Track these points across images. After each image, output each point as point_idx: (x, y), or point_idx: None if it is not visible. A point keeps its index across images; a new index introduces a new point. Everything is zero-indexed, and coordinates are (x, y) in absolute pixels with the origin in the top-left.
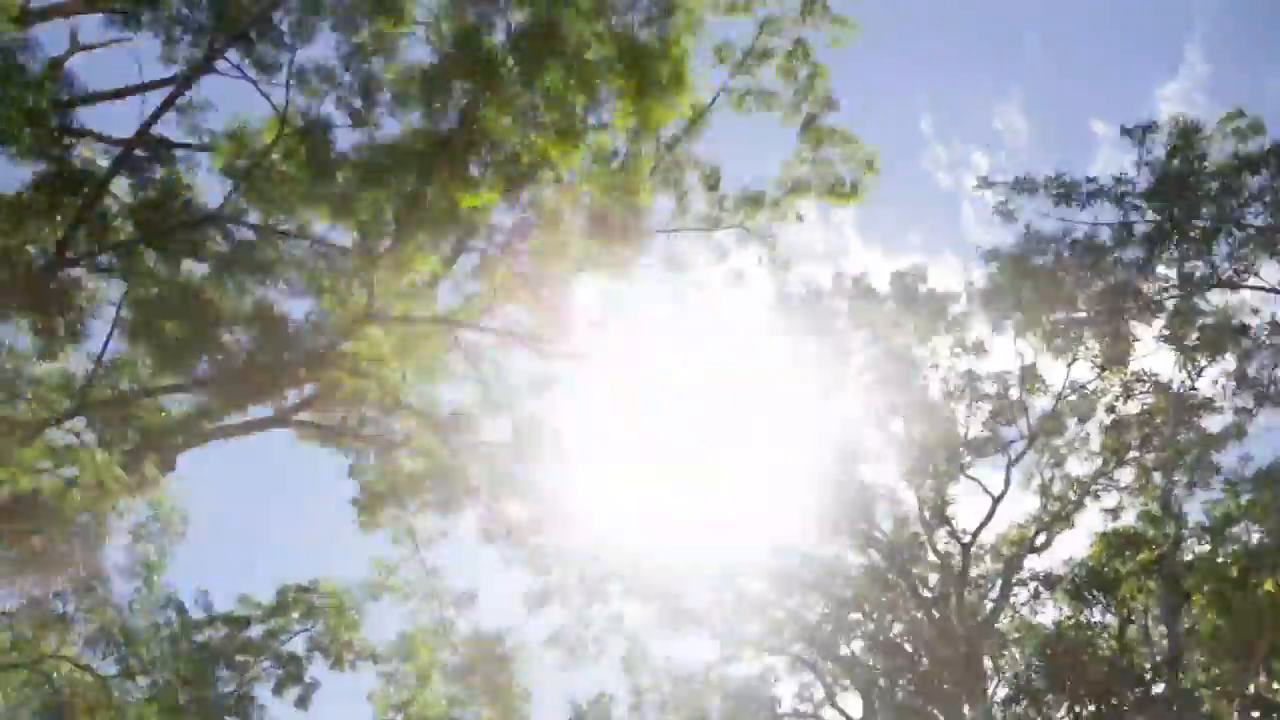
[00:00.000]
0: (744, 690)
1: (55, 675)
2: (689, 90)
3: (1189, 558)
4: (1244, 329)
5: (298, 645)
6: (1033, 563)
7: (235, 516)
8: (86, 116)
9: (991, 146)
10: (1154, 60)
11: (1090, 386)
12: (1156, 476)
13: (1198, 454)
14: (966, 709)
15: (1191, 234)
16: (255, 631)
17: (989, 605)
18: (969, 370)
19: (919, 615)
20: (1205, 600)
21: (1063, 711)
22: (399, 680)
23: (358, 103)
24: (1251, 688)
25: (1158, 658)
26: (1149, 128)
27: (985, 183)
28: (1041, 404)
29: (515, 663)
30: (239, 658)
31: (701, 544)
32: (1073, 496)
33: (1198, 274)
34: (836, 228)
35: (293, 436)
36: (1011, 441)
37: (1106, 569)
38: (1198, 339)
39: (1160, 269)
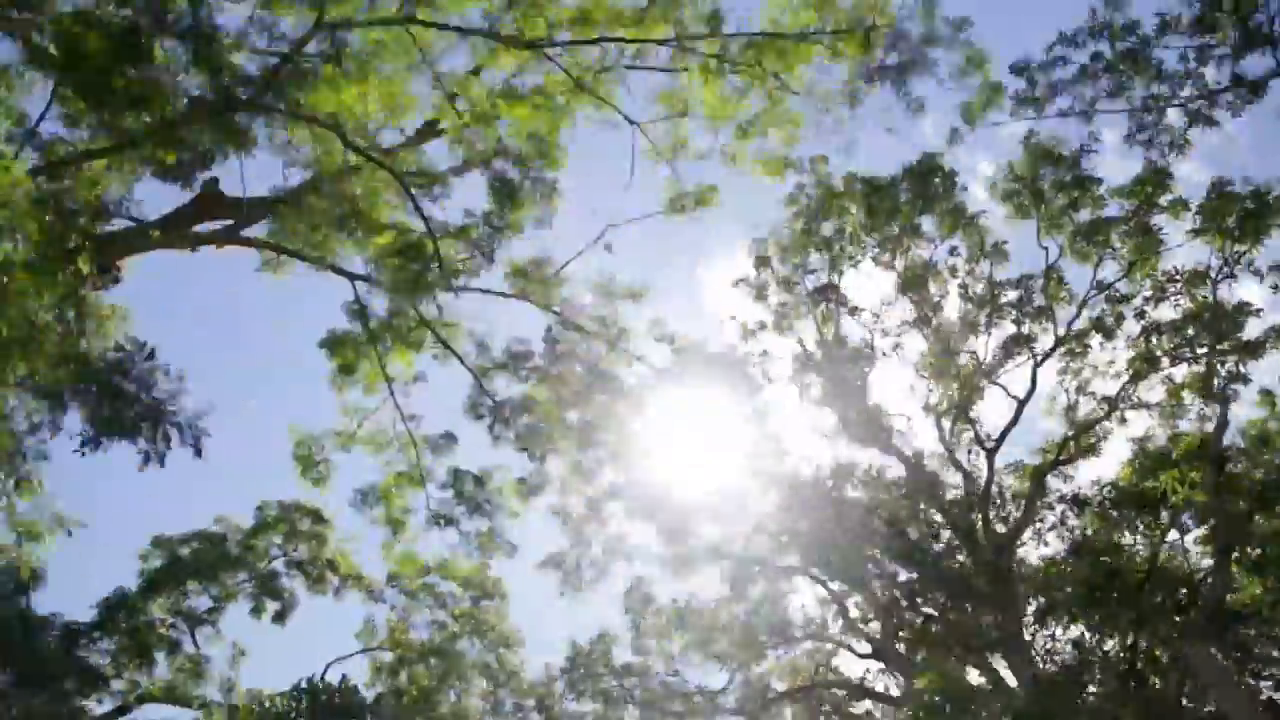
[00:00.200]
0: (755, 613)
1: None
2: None
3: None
4: None
5: (277, 564)
6: (1059, 486)
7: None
8: None
9: None
10: None
11: (1118, 290)
12: (1187, 396)
13: (1236, 362)
14: (997, 619)
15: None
16: (232, 548)
17: (1015, 519)
18: (989, 276)
19: (942, 526)
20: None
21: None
22: (389, 601)
23: None
24: None
25: (1196, 576)
26: None
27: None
28: (1066, 315)
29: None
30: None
31: (706, 460)
32: (1100, 414)
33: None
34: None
35: (255, 261)
36: (1035, 340)
37: (1138, 487)
38: (1239, 218)
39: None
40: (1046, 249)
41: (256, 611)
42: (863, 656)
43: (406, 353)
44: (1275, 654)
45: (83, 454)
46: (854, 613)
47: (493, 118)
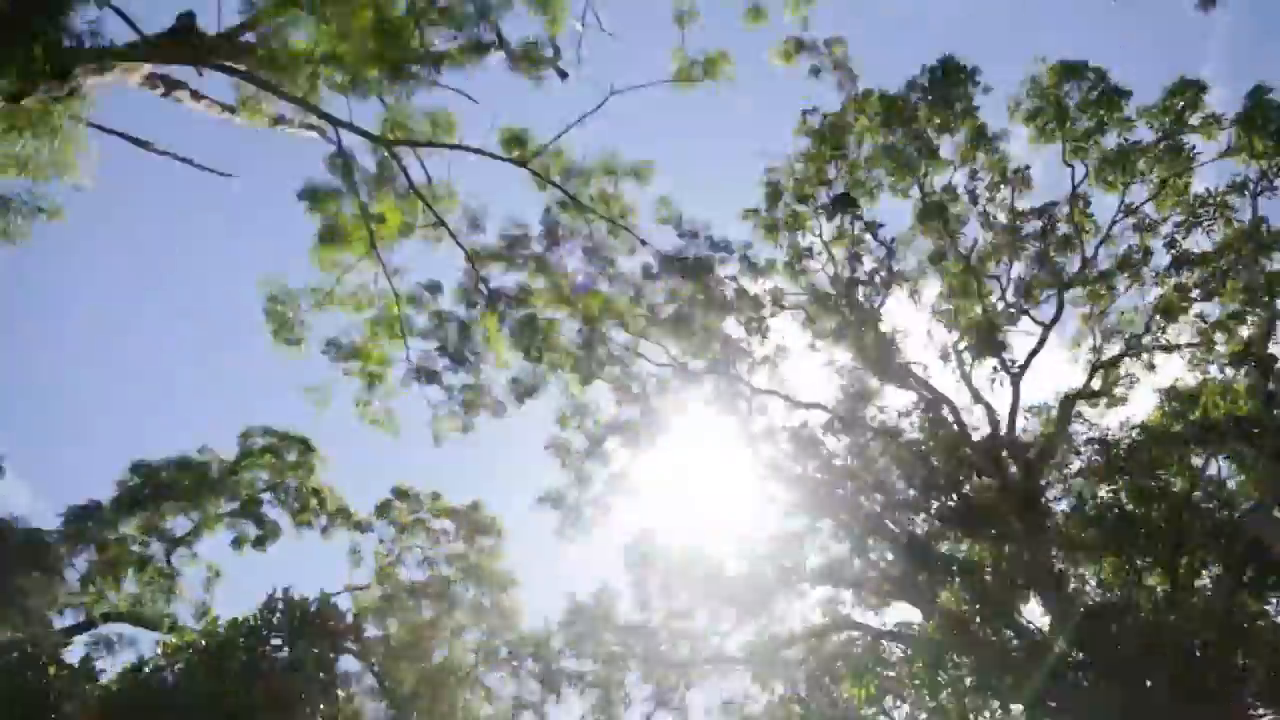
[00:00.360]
0: (768, 556)
1: None
2: None
3: None
4: None
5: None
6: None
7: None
8: None
9: None
10: None
11: (1147, 216)
12: (1219, 337)
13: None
14: (1026, 554)
15: None
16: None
17: (1043, 448)
18: (1012, 205)
19: (967, 458)
20: None
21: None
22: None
23: None
24: None
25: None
26: None
27: None
28: (1091, 247)
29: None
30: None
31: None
32: (1128, 353)
33: None
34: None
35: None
36: (1061, 266)
37: (1168, 430)
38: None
39: None
40: (1072, 168)
41: (238, 544)
42: (882, 599)
43: (394, 210)
44: None
45: None
46: (872, 553)
47: None
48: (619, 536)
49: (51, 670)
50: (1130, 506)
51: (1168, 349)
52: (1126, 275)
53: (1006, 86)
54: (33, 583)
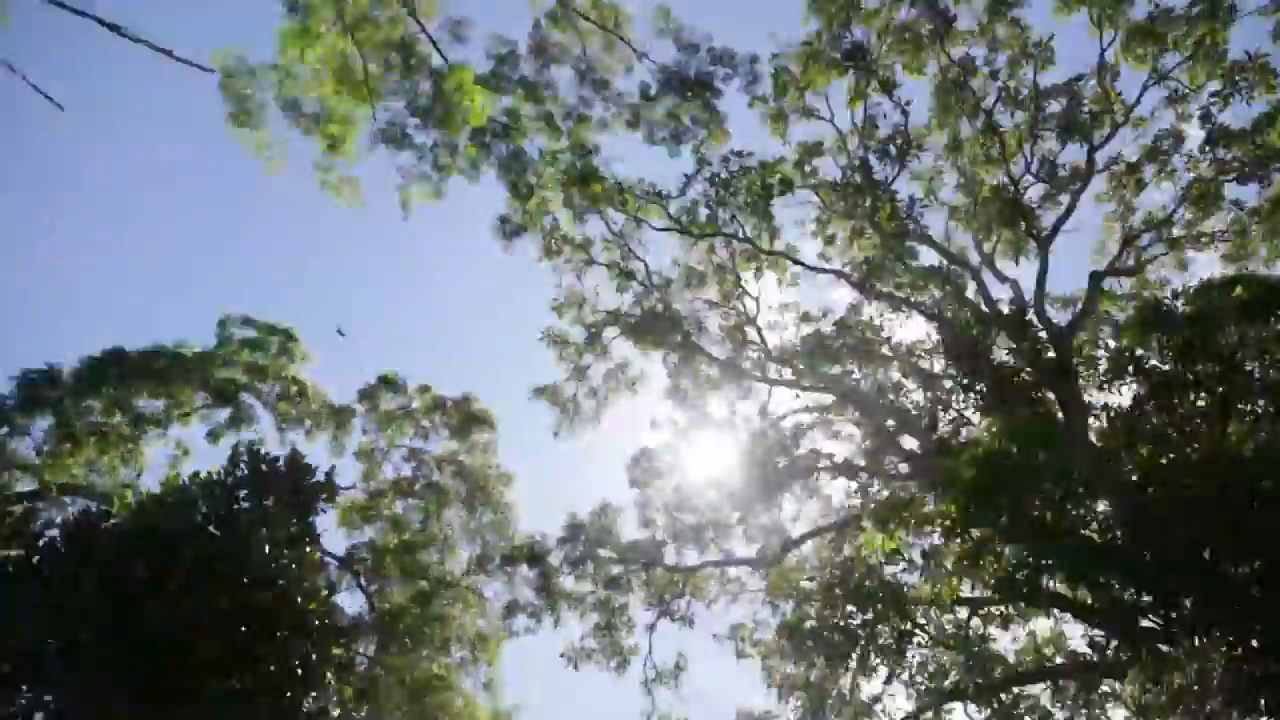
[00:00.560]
0: (777, 453)
1: None
2: None
3: None
4: None
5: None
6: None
7: None
8: None
9: None
10: None
11: (1180, 85)
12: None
13: None
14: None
15: None
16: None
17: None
18: (1034, 81)
19: (992, 320)
20: None
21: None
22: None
23: None
24: None
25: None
26: None
27: None
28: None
29: None
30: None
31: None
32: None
33: None
34: None
35: None
36: (1090, 132)
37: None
38: None
39: None
40: (1100, 36)
41: (213, 436)
42: (902, 476)
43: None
44: None
45: None
46: (892, 428)
47: None
48: (618, 440)
49: None
50: (1171, 367)
51: (1199, 240)
52: (1155, 165)
53: None
54: None
